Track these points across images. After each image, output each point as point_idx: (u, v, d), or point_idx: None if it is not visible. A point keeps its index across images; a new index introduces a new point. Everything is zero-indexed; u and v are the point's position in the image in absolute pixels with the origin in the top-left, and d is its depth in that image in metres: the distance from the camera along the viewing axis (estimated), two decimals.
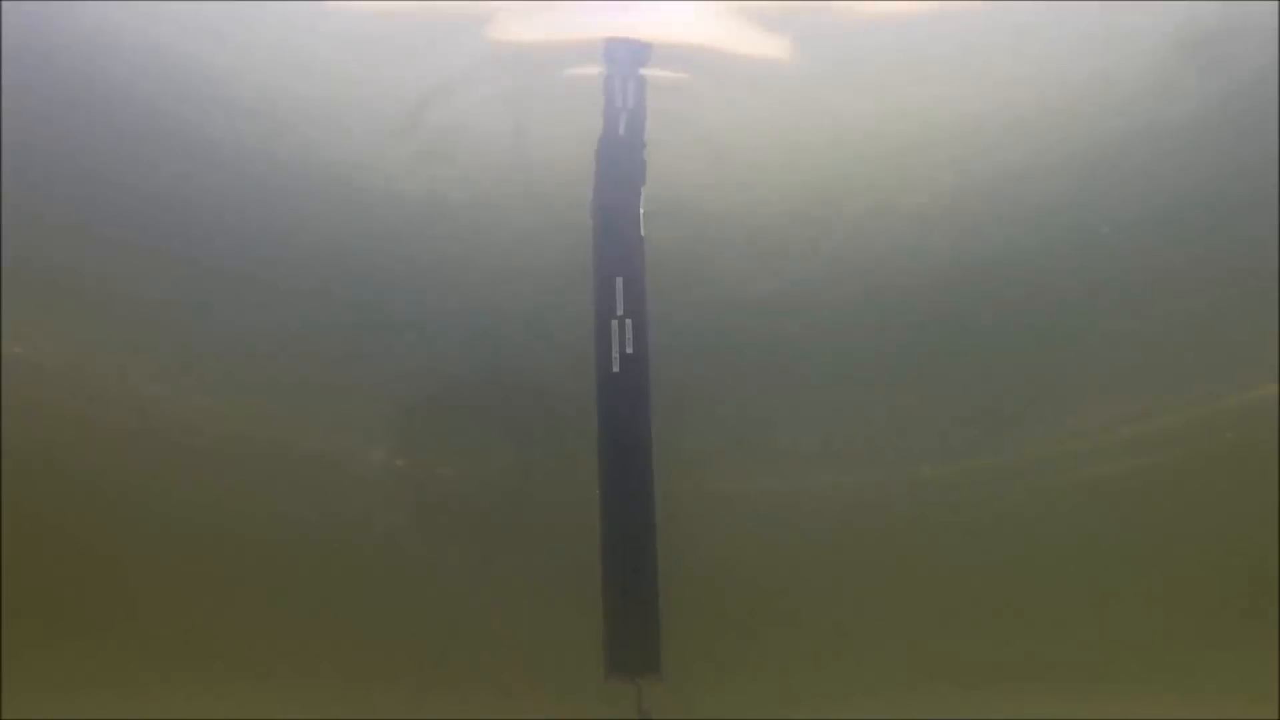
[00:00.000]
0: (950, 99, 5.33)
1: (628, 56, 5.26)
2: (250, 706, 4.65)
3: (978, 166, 5.38)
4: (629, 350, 4.60)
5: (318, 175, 4.96)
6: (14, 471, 4.34)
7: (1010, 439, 5.14)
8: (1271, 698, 4.50)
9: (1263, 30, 4.99)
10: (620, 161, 4.94)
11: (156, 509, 4.50)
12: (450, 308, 4.73)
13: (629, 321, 4.64)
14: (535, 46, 5.25)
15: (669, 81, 5.38)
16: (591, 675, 4.62)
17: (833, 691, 4.64)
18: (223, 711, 4.54)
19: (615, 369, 4.52)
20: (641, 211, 4.77)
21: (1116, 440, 5.19)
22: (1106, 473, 5.08)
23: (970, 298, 5.33)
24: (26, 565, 4.28)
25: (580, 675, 4.60)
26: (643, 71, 5.43)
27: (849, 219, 5.27)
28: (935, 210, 5.38)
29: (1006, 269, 5.32)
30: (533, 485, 4.73)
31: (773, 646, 4.52)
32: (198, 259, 4.77)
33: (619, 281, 4.59)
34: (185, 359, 4.69)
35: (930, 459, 5.13)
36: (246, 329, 4.76)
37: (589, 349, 4.74)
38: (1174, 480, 4.97)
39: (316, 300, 4.96)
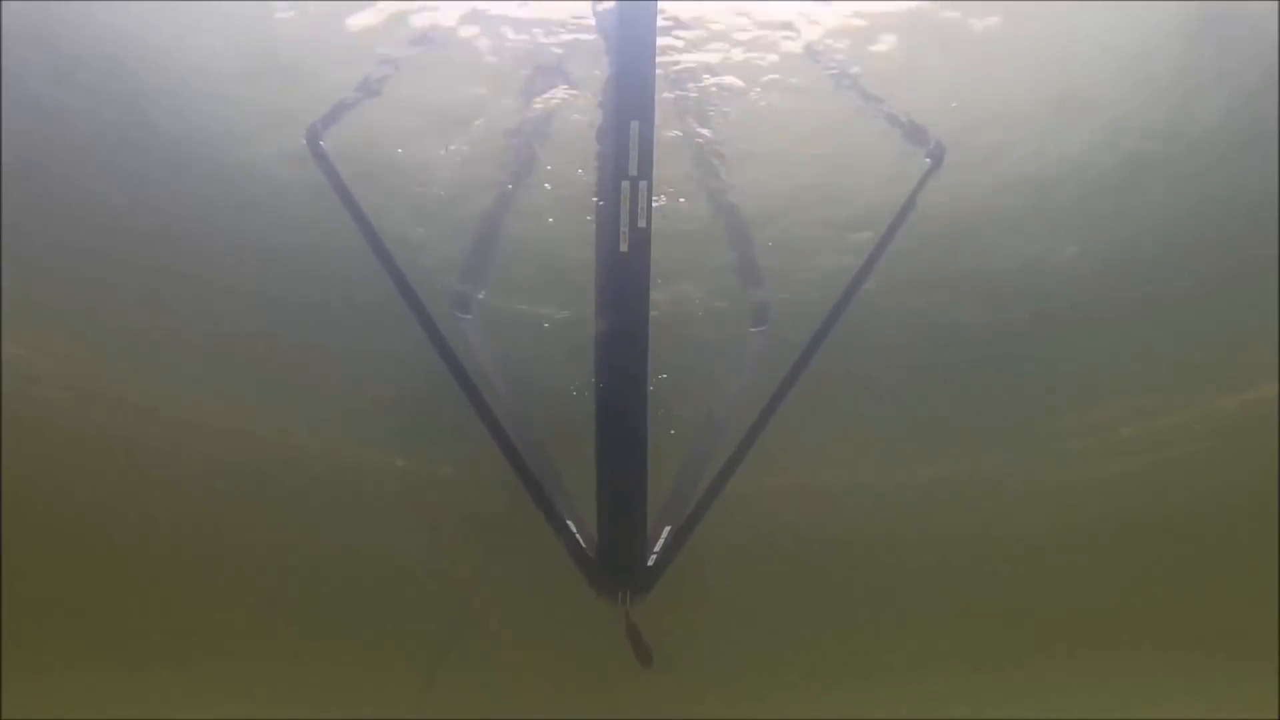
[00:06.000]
0: (954, 106, 5.30)
1: None
2: (251, 706, 4.67)
3: (982, 177, 5.35)
4: (641, 224, 3.64)
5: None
6: (14, 472, 4.37)
7: (1010, 443, 5.10)
8: (1272, 698, 4.50)
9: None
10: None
11: (157, 511, 4.47)
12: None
13: (643, 185, 3.60)
14: None
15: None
16: (592, 673, 4.64)
17: (824, 681, 4.60)
18: (224, 711, 4.53)
19: (624, 247, 3.63)
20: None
21: (1118, 440, 5.15)
22: (1108, 472, 5.06)
23: (976, 302, 5.28)
24: (26, 566, 4.28)
25: (580, 674, 4.61)
26: None
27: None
28: (942, 219, 5.31)
29: (1008, 276, 5.28)
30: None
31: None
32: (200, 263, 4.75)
33: (634, 126, 3.56)
34: (185, 361, 4.65)
35: (935, 458, 5.09)
36: (244, 329, 4.74)
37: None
38: (1174, 480, 4.96)
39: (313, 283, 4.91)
